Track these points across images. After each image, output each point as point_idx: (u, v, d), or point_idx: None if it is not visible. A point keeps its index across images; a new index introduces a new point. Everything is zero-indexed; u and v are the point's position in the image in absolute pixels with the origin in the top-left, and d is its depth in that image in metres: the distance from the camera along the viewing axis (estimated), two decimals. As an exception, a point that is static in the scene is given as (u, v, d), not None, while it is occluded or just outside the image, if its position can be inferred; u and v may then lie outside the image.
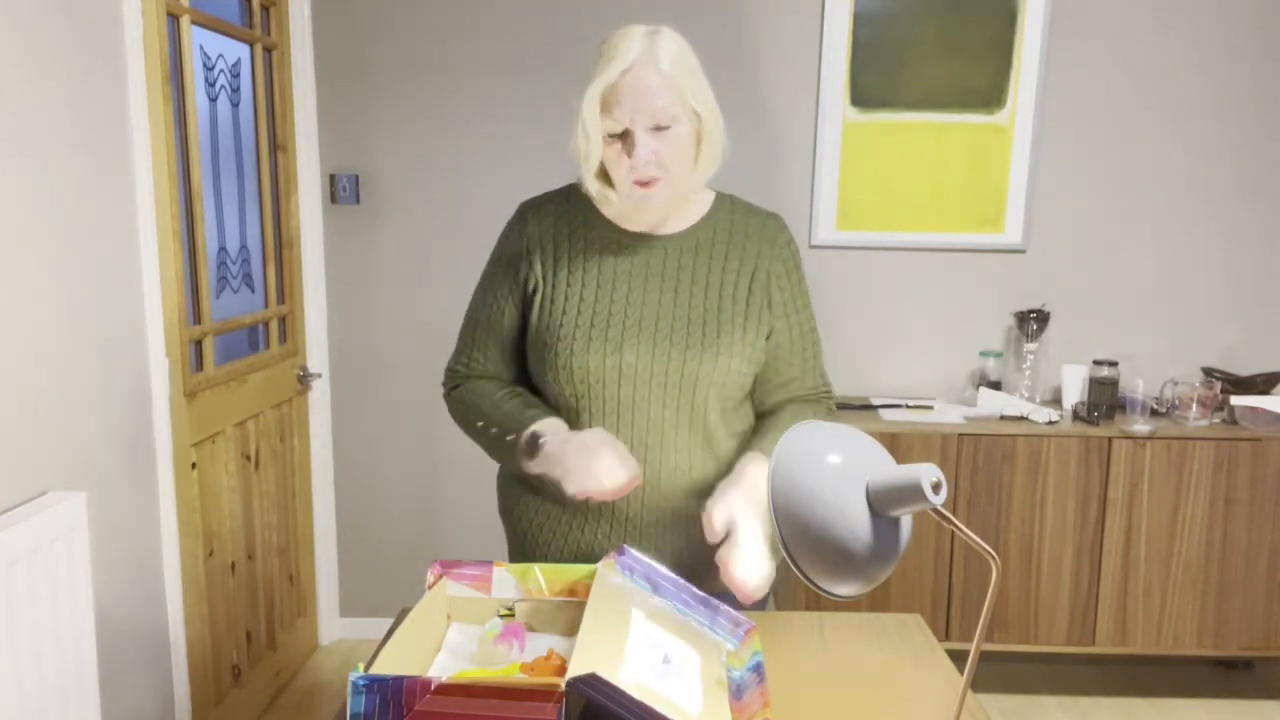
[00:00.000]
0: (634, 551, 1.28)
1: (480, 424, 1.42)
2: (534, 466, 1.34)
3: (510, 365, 1.47)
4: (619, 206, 1.39)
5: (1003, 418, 2.81)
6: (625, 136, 1.28)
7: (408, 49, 2.96)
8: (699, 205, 1.43)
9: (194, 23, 2.33)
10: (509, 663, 1.16)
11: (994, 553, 1.23)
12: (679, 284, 1.39)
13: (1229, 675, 3.08)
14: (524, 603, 1.27)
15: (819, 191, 3.01)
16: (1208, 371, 3.02)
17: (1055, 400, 3.09)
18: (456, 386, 1.50)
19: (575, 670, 0.93)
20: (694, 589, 1.29)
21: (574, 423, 1.39)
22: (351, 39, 2.95)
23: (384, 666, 1.00)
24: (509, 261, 1.44)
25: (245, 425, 2.62)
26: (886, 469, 0.98)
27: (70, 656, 1.74)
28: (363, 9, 2.94)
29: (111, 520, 2.02)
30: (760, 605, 1.46)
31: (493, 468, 2.50)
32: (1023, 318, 3.00)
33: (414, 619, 1.12)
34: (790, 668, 1.32)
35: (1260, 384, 2.91)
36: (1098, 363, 2.85)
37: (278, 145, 2.85)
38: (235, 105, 2.64)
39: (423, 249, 3.06)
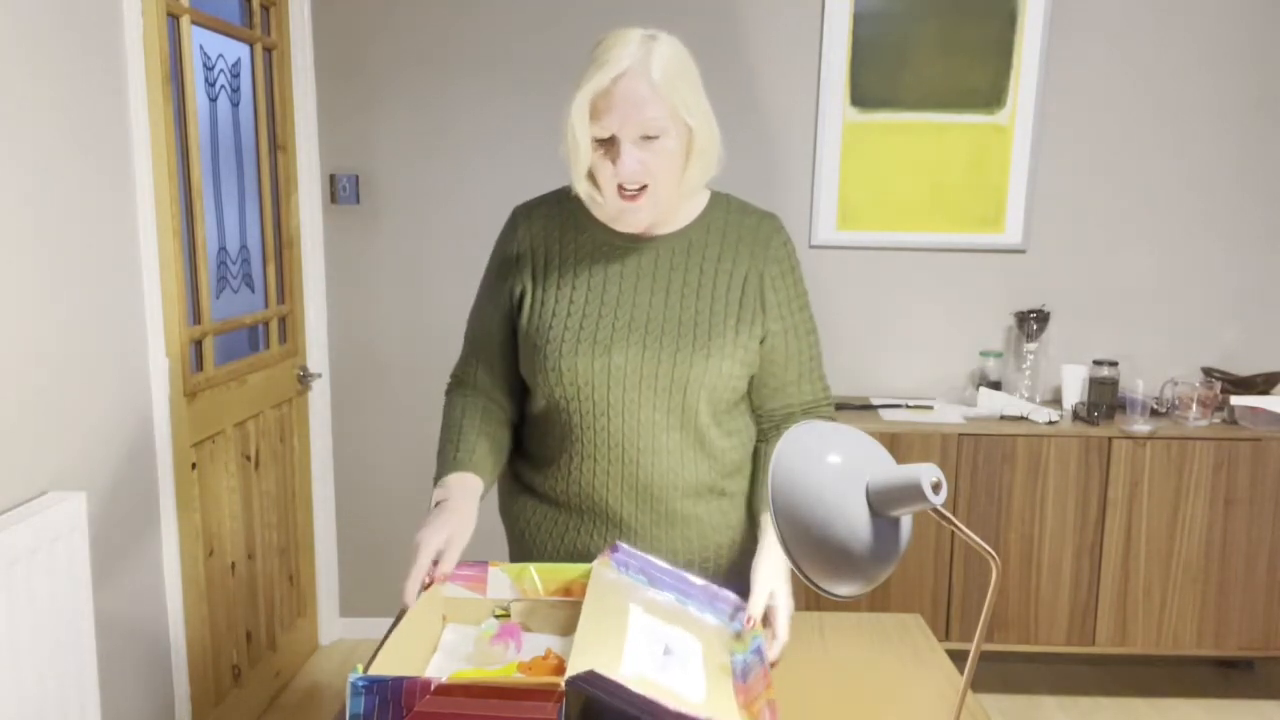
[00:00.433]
0: (628, 547, 1.28)
1: (440, 440, 1.44)
2: None
3: (501, 377, 1.47)
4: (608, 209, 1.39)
5: (1003, 418, 2.81)
6: (612, 143, 1.26)
7: (407, 49, 2.96)
8: (694, 205, 1.42)
9: (194, 23, 2.33)
10: (505, 663, 1.16)
11: (994, 553, 1.23)
12: (670, 285, 1.37)
13: (1229, 675, 3.08)
14: (519, 603, 1.27)
15: (819, 191, 3.01)
16: (1208, 371, 3.02)
17: (1055, 400, 3.09)
18: (451, 391, 1.51)
19: (574, 668, 0.94)
20: (691, 578, 1.29)
21: (566, 425, 1.39)
22: (351, 39, 2.95)
23: (380, 669, 1.00)
24: (499, 269, 1.45)
25: (245, 425, 2.62)
26: (886, 469, 0.98)
27: (70, 656, 1.74)
28: (363, 9, 2.94)
29: (111, 520, 2.02)
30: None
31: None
32: (1023, 318, 3.00)
33: (410, 620, 1.11)
34: (790, 668, 1.32)
35: (1260, 384, 2.91)
36: (1098, 363, 2.85)
37: (278, 145, 2.85)
38: (235, 105, 2.64)
39: (423, 249, 3.06)
